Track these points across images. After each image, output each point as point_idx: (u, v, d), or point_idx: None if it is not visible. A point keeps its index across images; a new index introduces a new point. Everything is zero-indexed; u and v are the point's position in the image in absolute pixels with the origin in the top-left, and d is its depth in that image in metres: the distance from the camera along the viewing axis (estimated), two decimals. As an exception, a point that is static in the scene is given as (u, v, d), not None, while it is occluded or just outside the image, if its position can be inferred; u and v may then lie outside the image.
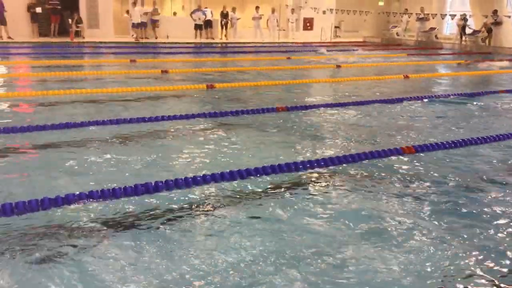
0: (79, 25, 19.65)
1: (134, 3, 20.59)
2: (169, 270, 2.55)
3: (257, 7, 22.78)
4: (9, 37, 18.11)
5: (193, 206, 3.38)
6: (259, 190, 3.74)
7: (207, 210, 3.32)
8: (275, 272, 2.55)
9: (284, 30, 24.17)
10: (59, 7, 19.12)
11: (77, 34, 19.55)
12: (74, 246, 2.76)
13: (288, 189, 3.77)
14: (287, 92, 8.91)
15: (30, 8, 18.98)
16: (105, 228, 2.99)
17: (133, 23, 20.47)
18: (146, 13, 21.18)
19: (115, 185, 3.53)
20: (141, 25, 21.11)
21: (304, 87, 9.79)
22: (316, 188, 3.81)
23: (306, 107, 7.14)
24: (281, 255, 2.73)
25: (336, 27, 26.40)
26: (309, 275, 2.54)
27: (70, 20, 19.35)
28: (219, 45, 20.57)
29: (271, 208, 3.39)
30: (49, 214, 3.13)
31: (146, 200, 3.42)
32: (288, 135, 5.58)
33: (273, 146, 5.08)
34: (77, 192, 3.34)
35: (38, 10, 18.91)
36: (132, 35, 21.07)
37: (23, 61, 13.30)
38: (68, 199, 3.24)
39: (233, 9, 22.79)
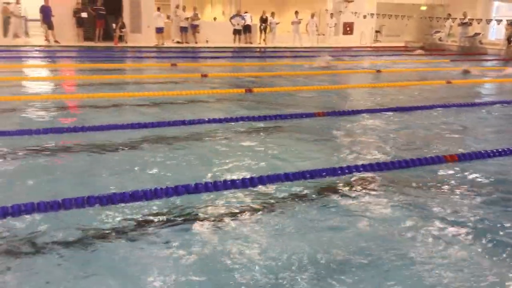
0: (123, 30, 20.17)
1: (158, 9, 20.84)
2: (210, 269, 2.58)
3: (296, 12, 22.77)
4: (55, 41, 18.80)
5: (231, 209, 3.41)
6: (296, 195, 3.73)
7: (246, 214, 3.34)
8: (313, 278, 2.54)
9: (323, 34, 24.05)
10: (104, 12, 19.69)
11: (121, 38, 20.08)
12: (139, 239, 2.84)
13: (325, 195, 3.75)
14: (326, 97, 8.86)
15: (76, 13, 19.64)
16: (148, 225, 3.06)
17: (156, 28, 20.60)
18: (186, 18, 21.52)
19: (155, 185, 3.60)
20: (182, 29, 21.50)
21: (343, 92, 9.71)
22: (355, 195, 3.77)
23: (345, 113, 7.08)
24: (317, 262, 2.71)
25: (376, 31, 26.07)
26: (346, 284, 2.51)
27: (114, 25, 19.91)
28: (258, 49, 20.65)
29: (309, 213, 3.38)
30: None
31: (186, 200, 3.47)
32: (326, 141, 5.55)
33: (311, 151, 5.06)
34: (120, 192, 3.43)
35: (84, 15, 19.54)
36: (173, 40, 21.47)
37: (69, 64, 13.78)
38: (112, 199, 3.33)
39: (272, 14, 22.87)
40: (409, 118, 6.85)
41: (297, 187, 3.85)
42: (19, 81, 9.91)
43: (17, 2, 19.22)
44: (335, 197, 3.71)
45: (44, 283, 2.45)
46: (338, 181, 4.03)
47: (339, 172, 4.15)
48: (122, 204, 3.33)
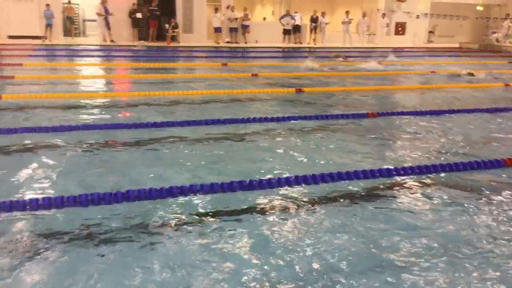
0: (175, 30, 20.66)
1: (216, 9, 21.29)
2: (261, 265, 2.65)
3: (347, 12, 22.56)
4: (112, 41, 19.50)
5: (281, 206, 3.47)
6: (344, 195, 3.74)
7: (296, 211, 3.38)
8: (360, 278, 2.56)
9: (374, 34, 23.71)
10: (158, 13, 20.25)
11: (173, 38, 20.57)
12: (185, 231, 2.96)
13: (374, 196, 3.74)
14: (377, 98, 8.76)
15: (131, 13, 20.30)
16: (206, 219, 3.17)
17: (214, 28, 21.13)
18: (236, 18, 21.78)
19: (205, 181, 3.71)
20: (232, 30, 21.79)
21: (395, 93, 9.57)
22: (406, 197, 3.73)
23: (398, 114, 6.99)
24: (366, 262, 2.72)
25: (430, 32, 25.42)
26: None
27: (167, 26, 20.43)
28: (307, 49, 20.60)
29: (355, 214, 3.39)
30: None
31: (241, 197, 3.56)
32: (378, 141, 5.50)
33: (362, 152, 5.04)
34: (167, 186, 3.56)
35: (139, 15, 20.16)
36: (223, 40, 21.80)
37: (124, 63, 14.27)
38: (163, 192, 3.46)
39: (323, 14, 22.76)
40: (464, 120, 6.67)
41: (349, 187, 3.86)
42: (76, 79, 10.37)
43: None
44: (382, 198, 3.70)
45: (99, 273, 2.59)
46: (387, 182, 4.01)
47: (394, 173, 4.12)
48: (181, 197, 3.45)
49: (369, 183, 3.95)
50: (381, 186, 3.93)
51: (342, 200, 3.62)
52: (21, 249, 2.71)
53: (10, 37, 19.12)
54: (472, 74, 11.61)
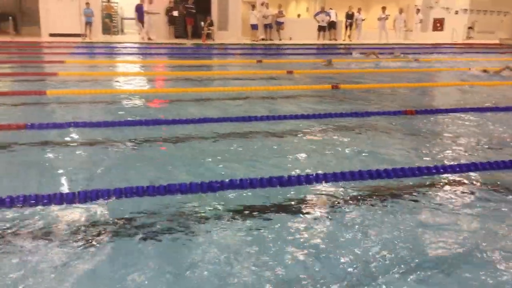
0: (211, 27, 20.87)
1: (253, 6, 21.39)
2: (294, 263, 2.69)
3: (383, 8, 22.24)
4: (149, 39, 19.86)
5: (318, 203, 3.49)
6: (381, 193, 3.73)
7: (334, 208, 3.41)
8: (393, 277, 2.56)
9: (411, 31, 23.30)
10: (194, 11, 20.49)
11: (208, 36, 20.78)
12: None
13: (411, 194, 3.71)
14: (415, 95, 8.64)
15: (168, 11, 20.61)
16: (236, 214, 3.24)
17: (251, 25, 21.28)
18: (270, 16, 21.82)
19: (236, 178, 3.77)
20: (267, 26, 21.83)
21: (433, 90, 9.41)
22: (441, 196, 3.69)
23: (436, 111, 6.88)
24: (398, 261, 2.72)
25: (469, 27, 24.77)
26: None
27: (202, 23, 20.66)
28: (343, 46, 20.43)
29: (393, 212, 3.38)
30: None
31: (273, 193, 3.61)
32: (416, 139, 5.45)
33: (399, 149, 5.00)
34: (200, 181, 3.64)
35: (175, 13, 20.46)
36: (257, 37, 21.88)
37: (161, 60, 14.53)
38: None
39: (359, 10, 22.53)
40: (505, 118, 6.51)
41: (381, 184, 3.85)
42: (114, 76, 10.64)
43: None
44: (418, 197, 3.67)
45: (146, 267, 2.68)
46: (423, 181, 3.97)
47: (434, 171, 4.08)
48: (222, 192, 3.53)
49: (407, 181, 3.92)
50: (420, 184, 3.90)
51: (380, 198, 3.61)
52: (72, 240, 2.84)
53: (51, 35, 19.74)
54: (486, 71, 11.30)
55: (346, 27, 22.72)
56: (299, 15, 26.55)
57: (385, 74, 11.31)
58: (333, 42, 22.02)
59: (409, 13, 22.93)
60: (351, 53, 16.03)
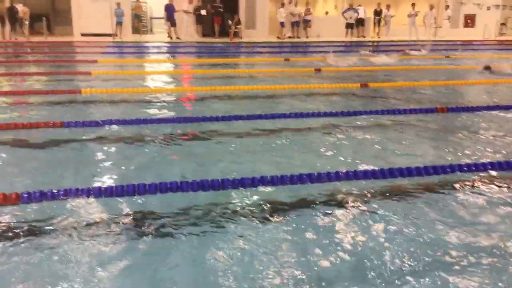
0: (238, 26, 20.99)
1: (282, 4, 21.41)
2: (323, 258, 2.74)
3: (413, 4, 21.93)
4: (177, 38, 20.11)
5: (347, 200, 3.52)
6: (410, 190, 3.73)
7: (356, 205, 3.42)
8: (419, 274, 2.58)
9: (440, 27, 22.90)
10: (221, 9, 20.65)
11: (236, 34, 20.91)
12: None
13: (441, 192, 3.71)
14: (446, 93, 8.53)
15: (196, 10, 20.83)
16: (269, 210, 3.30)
17: (280, 23, 21.34)
18: (298, 14, 21.79)
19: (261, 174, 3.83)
20: (294, 24, 21.83)
21: (464, 87, 9.26)
22: (471, 195, 3.66)
23: (468, 109, 6.79)
24: (423, 259, 2.73)
25: (502, 24, 24.18)
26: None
27: (230, 22, 20.80)
28: (371, 43, 20.25)
29: (418, 209, 3.39)
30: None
31: (302, 190, 3.66)
32: (447, 136, 5.41)
33: (431, 146, 4.97)
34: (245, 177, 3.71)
35: (203, 12, 20.65)
36: (284, 35, 21.90)
37: (188, 59, 14.72)
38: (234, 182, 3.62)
39: (388, 7, 22.28)
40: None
41: (411, 182, 3.85)
42: (145, 75, 10.85)
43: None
44: (447, 195, 3.65)
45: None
46: (453, 178, 3.95)
47: (465, 168, 4.06)
48: (254, 188, 3.61)
49: (438, 179, 3.91)
50: (451, 182, 3.88)
51: (409, 196, 3.62)
52: (113, 232, 2.96)
53: (83, 34, 20.20)
54: (489, 68, 10.95)
55: (375, 24, 22.51)
56: (327, 13, 26.39)
57: (415, 71, 11.18)
58: (361, 39, 21.84)
59: (439, 9, 22.56)
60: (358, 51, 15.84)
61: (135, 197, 3.42)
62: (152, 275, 2.52)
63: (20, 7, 18.72)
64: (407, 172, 3.91)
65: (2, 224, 3.03)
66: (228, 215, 3.23)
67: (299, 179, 3.72)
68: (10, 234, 2.91)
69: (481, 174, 4.04)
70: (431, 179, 3.90)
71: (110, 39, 19.52)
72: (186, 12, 20.04)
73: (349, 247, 2.83)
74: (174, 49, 17.37)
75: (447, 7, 22.30)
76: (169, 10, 20.08)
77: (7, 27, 18.63)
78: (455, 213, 3.33)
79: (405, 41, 20.39)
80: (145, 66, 12.64)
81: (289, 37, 21.78)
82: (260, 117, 6.06)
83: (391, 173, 3.89)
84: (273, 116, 6.08)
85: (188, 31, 20.28)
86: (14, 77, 9.92)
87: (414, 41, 20.65)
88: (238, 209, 3.33)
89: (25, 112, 6.63)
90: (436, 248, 2.82)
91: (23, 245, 2.79)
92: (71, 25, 20.26)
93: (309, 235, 2.97)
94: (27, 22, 18.78)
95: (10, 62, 12.90)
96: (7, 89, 8.30)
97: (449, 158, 4.51)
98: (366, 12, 22.49)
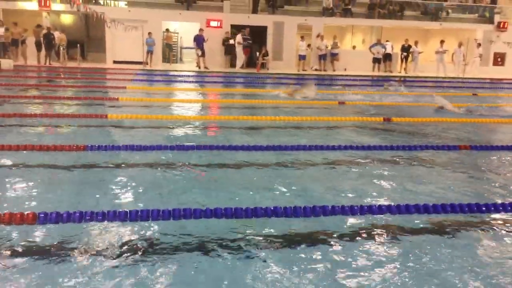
0: (266, 57, 21.29)
1: (302, 37, 21.64)
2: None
3: (442, 41, 21.87)
4: (205, 67, 20.49)
5: (369, 233, 3.49)
6: (433, 227, 3.67)
7: (385, 239, 3.39)
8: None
9: (468, 65, 22.73)
10: (250, 41, 21.02)
11: (263, 65, 21.19)
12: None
13: (464, 230, 3.64)
14: (470, 130, 8.40)
15: (224, 41, 21.25)
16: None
17: (299, 55, 21.55)
18: (325, 47, 21.97)
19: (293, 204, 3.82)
20: (321, 57, 22.03)
21: (491, 126, 9.11)
22: (496, 234, 3.58)
23: (492, 148, 6.68)
24: None
25: (532, 63, 23.85)
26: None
27: (258, 53, 21.12)
28: (398, 78, 20.21)
29: (445, 247, 3.32)
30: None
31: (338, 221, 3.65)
32: (470, 174, 5.31)
33: (453, 184, 4.89)
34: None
35: (231, 41, 21.03)
36: (311, 67, 22.08)
37: (215, 88, 14.95)
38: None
39: (416, 43, 22.28)
40: None
41: (432, 219, 3.79)
42: (171, 102, 11.05)
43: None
44: (475, 234, 3.58)
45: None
46: (482, 217, 3.87)
47: (484, 208, 3.97)
48: (273, 218, 3.61)
49: (459, 217, 3.84)
50: (472, 221, 3.81)
51: (431, 232, 3.58)
52: (133, 254, 3.00)
53: (115, 62, 20.80)
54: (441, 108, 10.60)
55: (402, 60, 22.51)
56: (354, 47, 26.56)
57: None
58: (388, 73, 21.83)
59: (469, 47, 22.44)
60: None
61: (149, 222, 3.47)
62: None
63: (56, 34, 19.48)
64: (433, 208, 3.85)
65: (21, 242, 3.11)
66: (246, 244, 3.24)
67: (312, 211, 3.70)
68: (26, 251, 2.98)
69: (504, 213, 3.96)
70: (453, 217, 3.84)
71: (140, 66, 20.03)
72: (239, 43, 20.54)
73: (354, 280, 2.80)
74: (201, 78, 17.69)
75: (479, 45, 22.15)
76: (199, 41, 20.54)
77: (43, 52, 19.36)
78: (479, 251, 3.26)
79: (432, 77, 20.29)
80: (172, 94, 12.89)
81: (316, 70, 21.94)
82: (282, 148, 6.08)
83: (417, 208, 3.84)
84: (292, 148, 6.09)
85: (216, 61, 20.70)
86: (45, 100, 10.25)
87: (442, 77, 20.53)
88: (256, 238, 3.33)
89: (52, 134, 6.83)
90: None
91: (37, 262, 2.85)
92: (105, 52, 20.93)
93: (332, 267, 2.94)
94: (63, 49, 19.50)
95: (43, 86, 13.36)
96: (38, 111, 8.57)
97: (471, 196, 4.43)
98: (393, 47, 22.54)
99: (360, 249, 3.24)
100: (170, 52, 22.86)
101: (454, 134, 7.79)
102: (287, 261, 3.01)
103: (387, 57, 22.37)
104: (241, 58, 20.81)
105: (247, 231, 3.44)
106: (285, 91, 12.88)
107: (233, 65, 21.37)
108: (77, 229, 3.31)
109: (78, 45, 20.23)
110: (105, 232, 3.33)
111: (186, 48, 24.71)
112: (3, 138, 6.14)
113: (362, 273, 2.90)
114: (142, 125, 7.57)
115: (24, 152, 5.44)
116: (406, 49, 22.31)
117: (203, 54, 20.59)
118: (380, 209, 3.83)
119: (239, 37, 20.52)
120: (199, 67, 20.69)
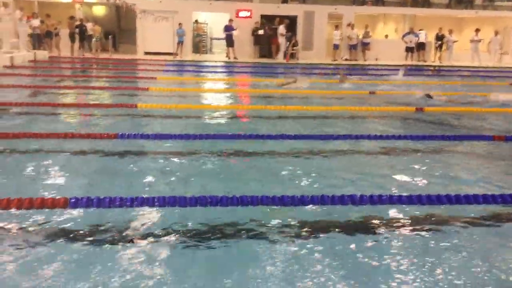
0: (295, 47, 21.14)
1: (336, 27, 21.38)
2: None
3: (477, 30, 21.22)
4: (235, 58, 20.51)
5: (396, 223, 3.43)
6: (465, 217, 3.58)
7: (411, 229, 3.33)
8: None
9: (507, 53, 22.00)
10: (290, 33, 20.90)
11: (292, 56, 21.05)
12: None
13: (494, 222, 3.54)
14: (505, 121, 8.13)
15: (254, 31, 21.19)
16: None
17: (334, 44, 21.33)
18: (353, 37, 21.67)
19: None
20: (352, 47, 21.74)
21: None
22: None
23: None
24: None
25: None
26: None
27: (287, 43, 20.98)
28: (431, 68, 19.74)
29: (472, 239, 3.24)
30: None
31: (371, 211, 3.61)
32: (503, 165, 5.16)
33: (485, 175, 4.76)
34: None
35: (260, 32, 20.96)
36: (342, 57, 21.82)
37: (244, 78, 14.95)
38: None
39: (450, 31, 21.69)
40: None
41: (465, 209, 3.70)
42: (200, 92, 11.11)
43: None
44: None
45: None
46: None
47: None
48: (292, 206, 3.59)
49: (490, 208, 3.74)
50: (503, 212, 3.70)
51: (460, 223, 3.49)
52: (160, 239, 3.06)
53: (146, 53, 21.04)
54: (430, 97, 10.13)
55: (436, 49, 21.97)
56: (386, 36, 26.06)
57: (477, 98, 10.73)
58: (421, 63, 21.37)
59: (506, 35, 21.71)
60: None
61: (176, 207, 3.50)
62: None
63: (89, 25, 19.82)
64: (465, 198, 3.76)
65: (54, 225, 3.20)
66: (266, 231, 3.24)
67: (340, 200, 3.66)
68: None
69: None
70: (482, 208, 3.74)
71: (171, 57, 20.19)
72: (282, 35, 20.52)
73: (383, 270, 2.76)
74: (231, 69, 17.72)
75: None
76: (228, 31, 20.55)
77: (77, 43, 19.76)
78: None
79: (467, 67, 19.74)
80: (201, 84, 12.97)
81: (346, 60, 21.65)
82: (311, 137, 6.04)
83: (448, 199, 3.75)
84: (320, 137, 6.04)
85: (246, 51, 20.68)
86: (78, 90, 10.46)
87: (476, 67, 19.95)
88: (276, 226, 3.32)
89: (85, 123, 6.98)
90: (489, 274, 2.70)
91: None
92: (135, 43, 21.18)
93: (346, 255, 2.91)
94: (95, 40, 19.86)
95: (76, 77, 13.64)
96: (70, 101, 8.77)
97: (503, 187, 4.30)
98: (427, 36, 22.01)
99: (383, 237, 3.19)
100: (200, 42, 22.97)
101: (488, 124, 7.57)
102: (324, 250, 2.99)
103: (421, 46, 21.88)
104: (283, 49, 20.72)
105: (272, 218, 3.43)
106: (278, 80, 12.75)
107: (262, 55, 21.31)
108: (106, 214, 3.37)
109: (110, 36, 20.53)
110: (133, 218, 3.38)
111: (215, 38, 24.74)
112: (38, 126, 6.31)
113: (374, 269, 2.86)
114: (171, 114, 7.64)
115: (58, 139, 5.57)
116: (440, 38, 21.76)
117: (232, 45, 20.60)
118: (420, 199, 3.74)
119: (281, 28, 20.42)
120: (229, 58, 20.71)
